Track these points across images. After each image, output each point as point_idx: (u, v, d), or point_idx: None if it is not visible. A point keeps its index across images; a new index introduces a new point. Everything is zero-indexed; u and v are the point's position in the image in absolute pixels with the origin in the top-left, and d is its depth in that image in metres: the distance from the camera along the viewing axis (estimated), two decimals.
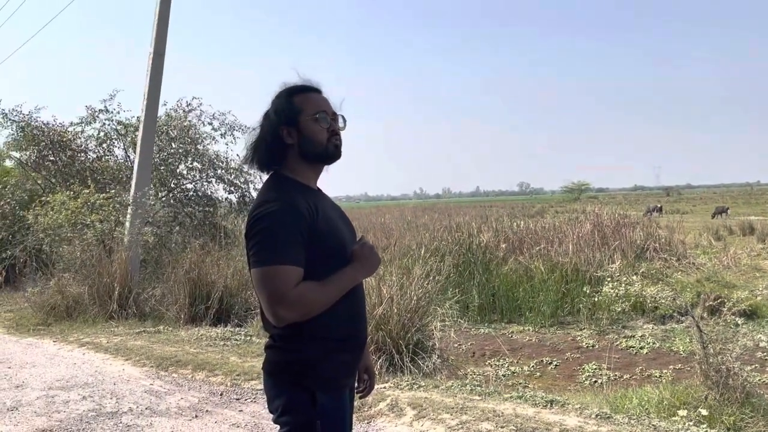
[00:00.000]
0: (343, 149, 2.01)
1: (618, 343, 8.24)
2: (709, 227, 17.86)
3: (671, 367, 7.11)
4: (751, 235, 16.90)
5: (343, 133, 2.01)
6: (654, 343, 8.08)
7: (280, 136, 1.94)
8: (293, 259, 1.75)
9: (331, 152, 1.96)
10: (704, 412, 4.52)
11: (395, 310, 5.74)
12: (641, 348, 8.01)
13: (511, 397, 4.65)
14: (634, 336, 8.45)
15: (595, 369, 7.31)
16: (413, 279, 6.16)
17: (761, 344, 7.07)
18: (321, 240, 1.83)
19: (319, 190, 2.03)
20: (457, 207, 36.89)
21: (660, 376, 6.80)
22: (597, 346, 8.16)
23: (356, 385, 2.15)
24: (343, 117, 2.04)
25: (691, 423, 4.27)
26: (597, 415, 4.17)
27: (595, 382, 6.91)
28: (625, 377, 6.93)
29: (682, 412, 4.53)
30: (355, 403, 4.67)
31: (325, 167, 2.01)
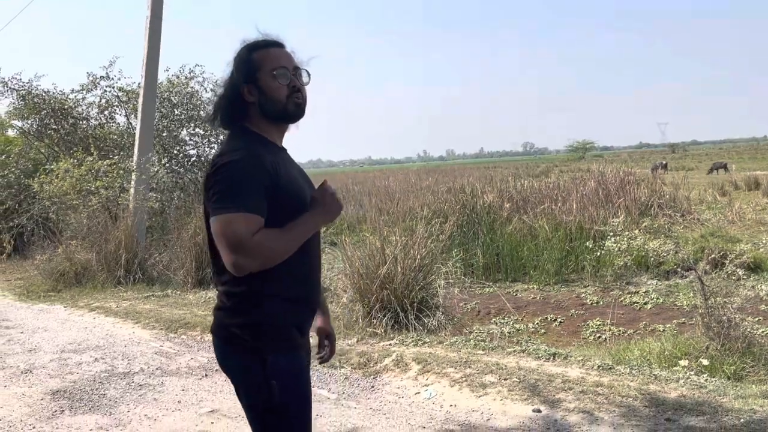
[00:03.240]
0: (307, 107, 1.91)
1: (622, 299, 8.29)
2: (714, 183, 17.79)
3: (674, 321, 7.16)
4: (756, 190, 16.83)
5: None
6: (658, 299, 8.13)
7: (241, 94, 1.87)
8: (254, 207, 1.70)
9: (291, 111, 1.89)
10: (705, 362, 4.58)
11: (399, 270, 5.79)
12: (645, 304, 8.05)
13: (514, 351, 4.72)
14: (638, 292, 8.49)
15: (599, 325, 7.37)
16: (417, 239, 6.18)
17: (763, 295, 7.11)
18: (282, 197, 1.78)
19: (284, 149, 1.97)
20: (461, 169, 36.76)
21: (663, 330, 6.85)
22: (601, 303, 8.22)
23: (318, 351, 2.15)
24: (307, 72, 1.95)
25: (692, 372, 4.34)
26: (599, 366, 4.23)
27: (599, 337, 6.98)
28: (628, 332, 6.99)
29: (683, 362, 4.60)
30: (361, 360, 4.78)
31: (293, 126, 1.96)
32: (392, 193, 16.26)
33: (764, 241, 9.40)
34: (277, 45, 1.93)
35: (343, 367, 4.73)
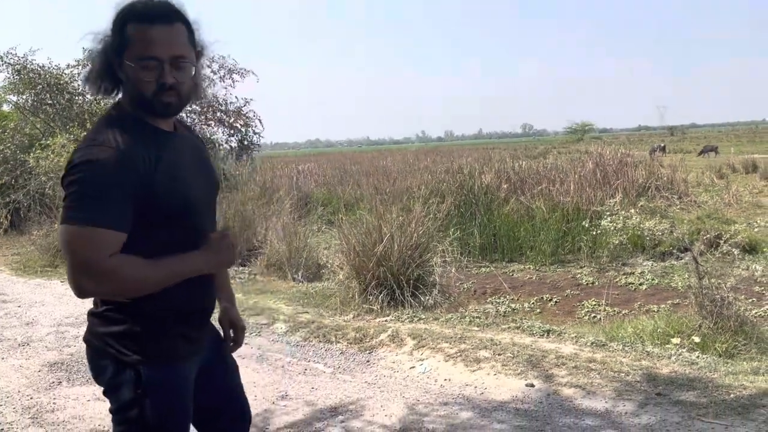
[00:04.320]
0: (179, 102, 1.57)
1: (617, 279, 8.33)
2: (712, 166, 17.81)
3: (669, 302, 7.20)
4: (754, 173, 16.86)
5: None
6: (653, 280, 8.18)
7: (113, 66, 1.54)
8: (114, 220, 1.42)
9: (159, 110, 1.55)
10: (697, 340, 4.62)
11: (396, 247, 5.80)
12: (640, 284, 8.10)
13: (508, 327, 4.77)
14: (633, 273, 8.53)
15: (595, 305, 7.42)
16: (413, 217, 6.20)
17: (756, 275, 7.16)
18: (157, 197, 1.50)
19: (173, 132, 1.65)
20: (459, 149, 36.70)
21: (658, 310, 6.91)
22: (597, 283, 8.26)
23: (225, 342, 1.96)
24: (192, 63, 1.58)
25: (684, 350, 4.38)
26: (592, 343, 4.28)
27: (594, 317, 7.03)
28: (623, 312, 7.03)
29: (676, 340, 4.64)
30: (356, 335, 4.82)
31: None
32: (390, 173, 16.24)
33: (759, 223, 9.45)
34: (162, 20, 1.51)
35: (339, 342, 4.77)
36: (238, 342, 1.98)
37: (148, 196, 1.47)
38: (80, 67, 13.25)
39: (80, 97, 13.36)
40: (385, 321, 5.14)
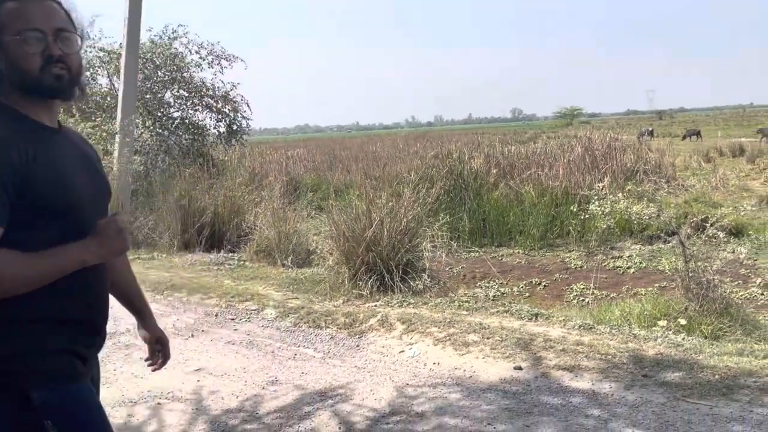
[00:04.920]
0: (71, 77, 1.48)
1: (606, 263, 8.41)
2: (699, 150, 17.92)
3: (656, 285, 7.28)
4: (740, 157, 16.99)
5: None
6: (641, 263, 8.26)
7: None
8: None
9: (49, 85, 1.45)
10: (683, 322, 4.68)
11: (385, 233, 5.81)
12: (628, 268, 8.18)
13: (497, 311, 4.80)
14: (621, 256, 8.60)
15: (583, 288, 7.49)
16: (403, 202, 6.20)
17: (742, 258, 7.25)
18: (37, 195, 1.39)
19: (57, 129, 1.55)
20: (449, 134, 36.63)
21: (645, 293, 6.98)
22: (585, 267, 8.33)
23: (150, 358, 1.92)
24: (79, 35, 1.52)
25: (670, 332, 4.44)
26: (580, 326, 4.32)
27: (582, 300, 7.10)
28: (611, 296, 7.10)
29: (662, 322, 4.70)
30: (346, 320, 4.83)
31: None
32: (380, 158, 16.21)
33: (745, 207, 9.54)
34: None
35: (328, 328, 4.78)
36: (166, 355, 1.93)
37: (27, 192, 1.37)
38: None
39: None
40: (375, 306, 5.15)
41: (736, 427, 2.95)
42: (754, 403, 3.15)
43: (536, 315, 4.62)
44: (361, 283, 5.61)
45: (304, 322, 4.90)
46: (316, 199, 11.34)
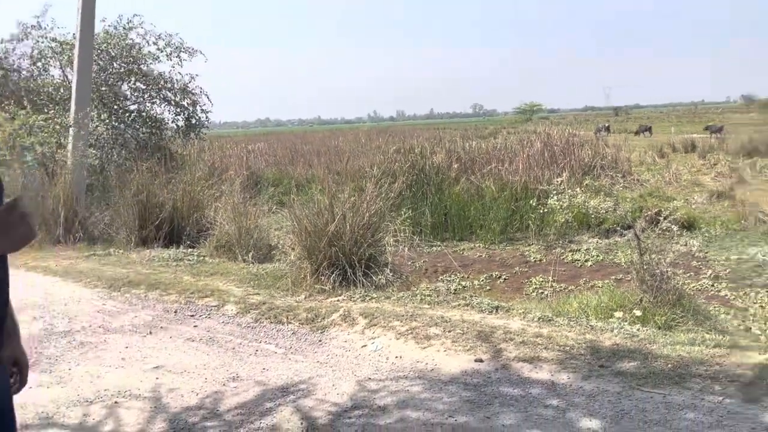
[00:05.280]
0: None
1: (564, 256, 8.57)
2: (653, 145, 18.41)
3: (613, 277, 7.46)
4: (692, 152, 17.53)
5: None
6: (598, 256, 8.44)
7: None
8: None
9: None
10: (638, 313, 4.81)
11: (348, 227, 5.79)
12: (586, 261, 8.35)
13: (458, 305, 4.84)
14: (579, 250, 8.78)
15: (542, 281, 7.61)
16: (365, 197, 6.19)
17: (694, 251, 7.47)
18: None
19: None
20: (411, 129, 36.77)
21: (602, 286, 7.14)
22: (544, 260, 8.47)
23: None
24: None
25: (626, 323, 4.55)
26: (539, 318, 4.39)
27: (542, 293, 7.22)
28: (569, 288, 7.25)
29: (618, 314, 4.82)
30: (308, 315, 4.81)
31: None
32: (342, 152, 16.15)
33: (696, 200, 9.85)
34: None
35: (290, 323, 4.75)
36: (23, 380, 1.74)
37: None
38: (14, 42, 12.62)
39: (16, 74, 12.74)
40: (337, 301, 5.14)
41: (689, 414, 3.04)
42: (705, 391, 3.26)
43: (496, 308, 4.68)
44: (323, 278, 5.59)
45: (266, 318, 4.86)
46: (278, 193, 11.25)
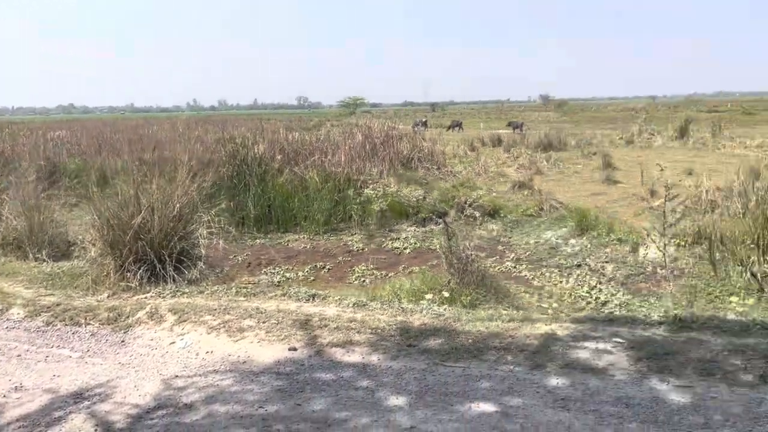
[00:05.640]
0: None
1: (385, 245, 8.85)
2: (465, 139, 19.79)
3: (429, 263, 7.86)
4: (499, 146, 19.16)
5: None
6: (416, 243, 8.85)
7: None
8: None
9: None
10: (446, 294, 5.11)
11: (156, 219, 5.43)
12: (405, 248, 8.70)
13: (275, 295, 4.77)
14: (399, 238, 9.13)
15: (364, 270, 7.79)
16: (176, 187, 5.85)
17: (496, 235, 8.11)
18: None
19: None
20: (233, 119, 35.71)
21: (419, 271, 7.50)
22: (366, 249, 8.68)
23: None
24: None
25: (435, 304, 4.81)
26: (354, 304, 4.47)
27: (364, 281, 7.39)
28: (390, 275, 7.50)
29: (428, 296, 5.08)
30: (110, 315, 4.43)
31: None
32: (158, 142, 15.17)
33: (498, 189, 10.75)
34: None
35: (89, 324, 4.34)
36: None
37: None
38: None
39: None
40: (144, 298, 4.80)
41: (484, 383, 3.28)
42: (499, 361, 3.54)
43: (313, 296, 4.68)
44: (129, 274, 5.18)
45: (60, 321, 4.39)
46: (79, 185, 10.24)
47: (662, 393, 3.18)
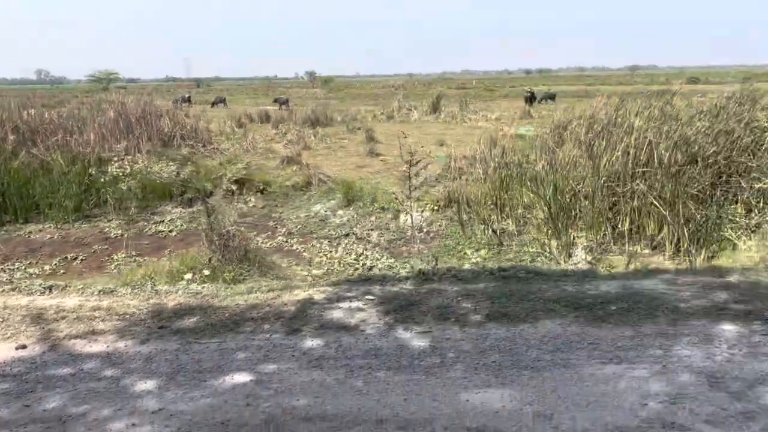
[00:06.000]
0: None
1: (148, 229, 8.31)
2: (233, 116, 19.30)
3: (197, 245, 7.57)
4: (267, 123, 19.02)
5: None
6: (182, 225, 8.44)
7: None
8: None
9: None
10: (207, 272, 4.98)
11: None
12: (170, 231, 8.26)
13: (2, 291, 4.20)
14: (164, 221, 8.63)
15: (125, 257, 7.25)
16: None
17: (267, 211, 8.12)
18: None
19: None
20: None
21: (188, 253, 7.18)
22: (126, 235, 8.08)
23: None
24: None
25: (194, 283, 4.65)
26: (100, 292, 4.14)
27: (126, 268, 6.87)
28: (154, 260, 7.07)
29: (188, 276, 4.90)
30: None
31: None
32: None
33: (267, 165, 10.74)
34: None
35: None
36: None
37: None
38: None
39: None
40: None
41: (240, 355, 3.27)
42: (256, 331, 3.55)
43: (50, 287, 4.23)
44: None
45: None
46: None
47: (406, 340, 3.48)
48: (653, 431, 2.49)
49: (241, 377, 3.03)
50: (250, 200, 9.32)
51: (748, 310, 3.77)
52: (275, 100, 29.69)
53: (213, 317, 3.72)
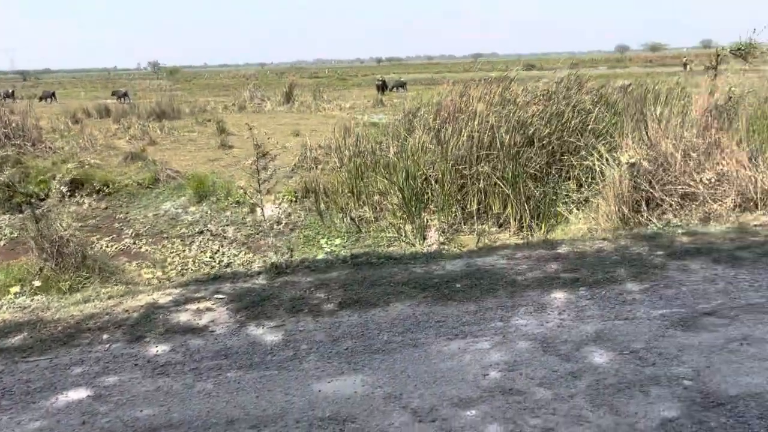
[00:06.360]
0: None
1: None
2: (67, 111, 17.77)
3: (28, 255, 6.89)
4: (107, 117, 17.74)
5: None
6: (12, 233, 7.68)
7: None
8: None
9: None
10: (38, 284, 4.55)
11: None
12: None
13: None
14: None
15: None
16: None
17: (111, 212, 7.60)
18: None
19: None
20: None
21: (15, 264, 6.51)
22: None
23: None
24: None
25: (23, 296, 4.23)
26: None
27: None
28: None
29: (15, 289, 4.45)
30: None
31: None
32: None
33: (109, 163, 10.04)
34: None
35: None
36: None
37: None
38: None
39: None
40: None
41: (76, 370, 3.02)
42: (93, 343, 3.30)
43: None
44: None
45: None
46: None
47: (258, 337, 3.42)
48: (494, 399, 2.66)
49: (77, 394, 2.80)
50: (90, 201, 8.66)
51: (575, 278, 4.13)
52: (113, 93, 27.83)
53: (43, 332, 3.41)
